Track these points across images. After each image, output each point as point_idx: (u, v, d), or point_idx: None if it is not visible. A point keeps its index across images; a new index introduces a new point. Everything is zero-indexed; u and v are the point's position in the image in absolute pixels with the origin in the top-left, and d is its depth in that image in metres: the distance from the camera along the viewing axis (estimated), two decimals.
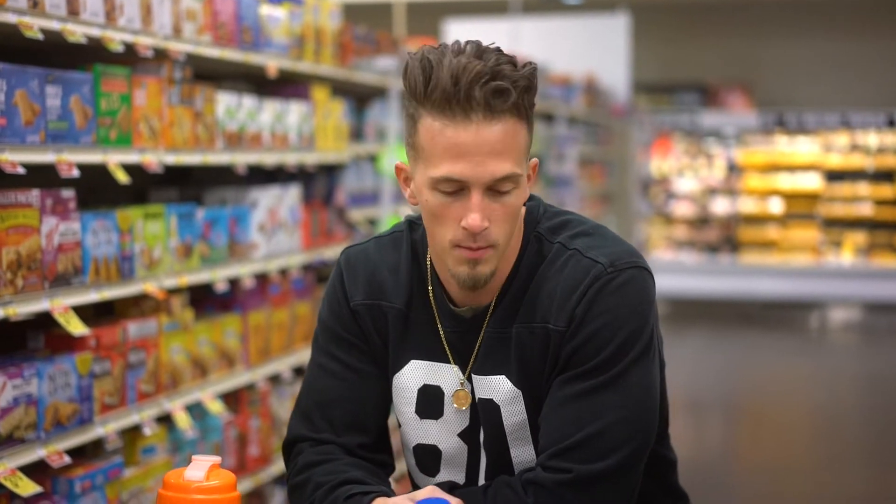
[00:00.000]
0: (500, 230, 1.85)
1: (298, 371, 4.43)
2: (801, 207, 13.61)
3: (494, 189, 1.83)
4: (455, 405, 1.97)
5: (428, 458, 2.02)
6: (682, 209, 14.10)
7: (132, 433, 3.32)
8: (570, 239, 1.93)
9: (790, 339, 11.15)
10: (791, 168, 13.75)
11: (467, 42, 1.84)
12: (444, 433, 1.99)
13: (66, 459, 2.86)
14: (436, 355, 1.98)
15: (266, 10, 4.01)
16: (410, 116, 1.86)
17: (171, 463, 3.41)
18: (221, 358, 3.74)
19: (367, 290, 2.01)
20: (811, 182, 13.62)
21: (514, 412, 1.93)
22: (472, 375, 1.96)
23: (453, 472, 2.01)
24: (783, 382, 9.00)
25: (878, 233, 13.27)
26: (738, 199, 13.89)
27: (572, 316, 1.87)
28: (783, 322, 12.03)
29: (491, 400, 1.94)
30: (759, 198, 13.84)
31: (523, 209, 1.99)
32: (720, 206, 13.96)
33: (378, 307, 2.00)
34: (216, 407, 3.60)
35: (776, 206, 13.73)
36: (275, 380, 4.20)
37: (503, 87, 1.78)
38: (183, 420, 3.42)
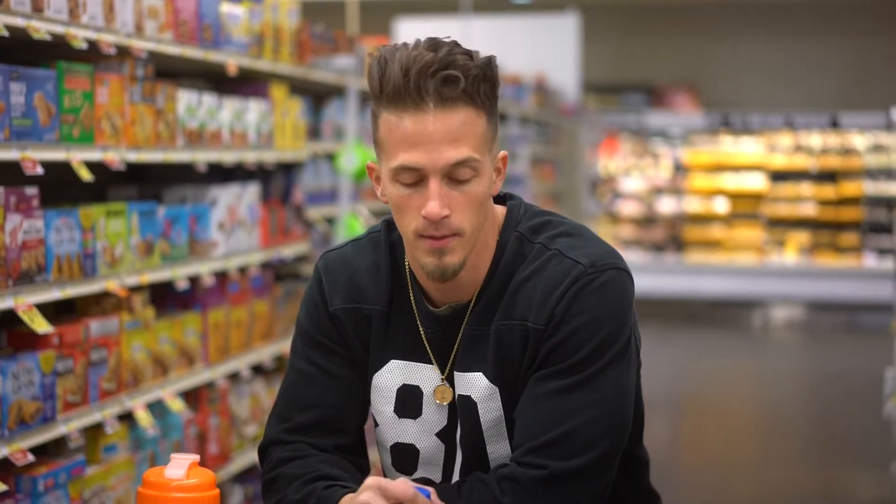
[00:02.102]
0: (464, 218, 1.87)
1: (257, 369, 4.44)
2: (745, 207, 13.78)
3: (453, 177, 1.85)
4: (437, 401, 1.99)
5: (405, 458, 2.03)
6: (629, 208, 14.22)
7: (94, 431, 3.30)
8: (551, 239, 1.96)
9: (734, 337, 11.30)
10: (736, 168, 13.92)
11: (425, 38, 1.88)
12: (422, 433, 2.01)
13: (30, 457, 2.85)
14: (416, 355, 2.00)
15: (226, 7, 4.01)
16: (373, 114, 1.91)
17: (132, 461, 3.41)
18: (181, 356, 3.73)
19: (346, 294, 2.02)
20: (755, 182, 13.80)
21: (490, 409, 1.95)
22: (454, 372, 1.98)
23: (430, 471, 2.03)
24: (727, 380, 9.12)
25: (821, 233, 13.47)
26: (684, 198, 14.03)
27: (552, 315, 1.89)
28: (727, 320, 12.18)
29: (469, 396, 1.96)
30: (704, 197, 13.99)
31: (501, 209, 2.02)
32: (666, 206, 14.09)
33: (359, 311, 2.01)
34: (177, 405, 3.60)
35: (721, 206, 13.89)
36: (234, 378, 4.21)
37: (453, 76, 1.81)
38: (144, 418, 3.42)
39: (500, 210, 2.02)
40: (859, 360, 9.76)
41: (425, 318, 1.99)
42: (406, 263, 2.02)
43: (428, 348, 1.99)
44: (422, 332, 1.99)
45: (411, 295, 2.00)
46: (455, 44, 1.86)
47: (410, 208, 1.87)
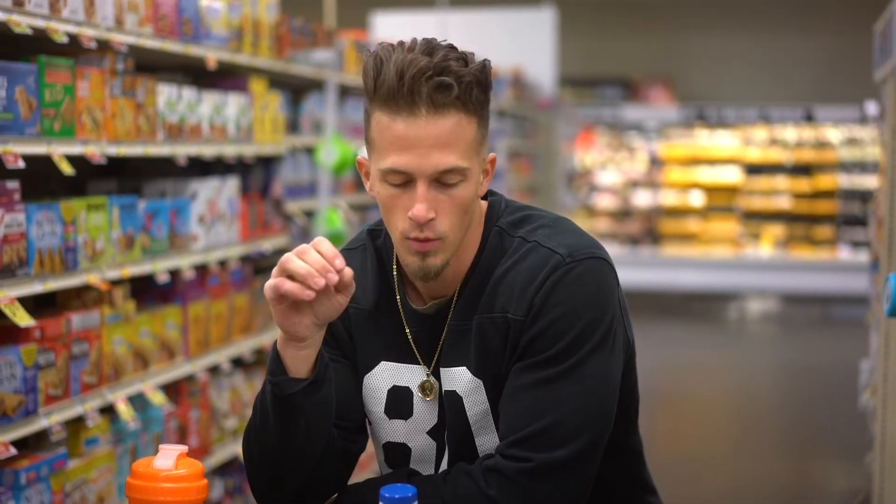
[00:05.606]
0: (449, 222, 1.89)
1: (237, 362, 4.45)
2: (720, 200, 13.86)
3: (440, 181, 1.87)
4: (421, 395, 2.01)
5: (397, 456, 2.06)
6: (605, 202, 14.27)
7: (75, 424, 3.31)
8: (531, 232, 1.98)
9: (710, 330, 11.35)
10: (711, 161, 13.99)
11: (422, 39, 1.89)
12: (412, 432, 2.04)
13: (12, 451, 2.86)
14: (405, 357, 2.03)
15: (206, 1, 4.01)
16: (365, 112, 1.92)
17: (113, 454, 3.41)
18: (162, 349, 3.74)
19: None
20: (731, 175, 13.87)
21: (476, 402, 1.97)
22: (440, 369, 2.00)
23: (422, 468, 2.05)
24: (703, 372, 9.16)
25: (796, 225, 13.56)
26: (660, 191, 14.09)
27: (531, 305, 1.90)
28: (703, 313, 12.23)
29: (454, 391, 1.98)
30: (679, 191, 14.05)
31: (483, 204, 2.04)
32: (642, 199, 14.15)
33: (345, 310, 2.02)
34: (158, 398, 3.61)
35: (696, 199, 13.96)
36: (214, 371, 4.21)
37: (446, 83, 1.82)
38: (125, 411, 3.42)
39: (482, 206, 2.04)
40: (834, 351, 9.83)
41: (411, 319, 2.02)
42: (392, 268, 2.04)
43: (415, 348, 2.02)
44: (408, 333, 2.02)
45: (398, 298, 2.03)
46: (451, 47, 1.87)
47: (398, 208, 1.89)
